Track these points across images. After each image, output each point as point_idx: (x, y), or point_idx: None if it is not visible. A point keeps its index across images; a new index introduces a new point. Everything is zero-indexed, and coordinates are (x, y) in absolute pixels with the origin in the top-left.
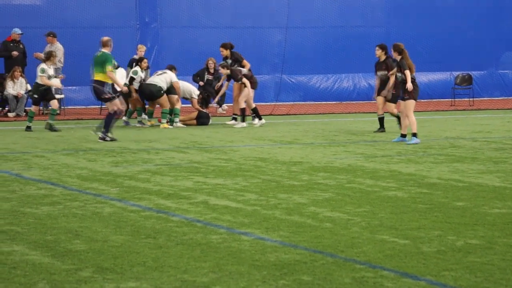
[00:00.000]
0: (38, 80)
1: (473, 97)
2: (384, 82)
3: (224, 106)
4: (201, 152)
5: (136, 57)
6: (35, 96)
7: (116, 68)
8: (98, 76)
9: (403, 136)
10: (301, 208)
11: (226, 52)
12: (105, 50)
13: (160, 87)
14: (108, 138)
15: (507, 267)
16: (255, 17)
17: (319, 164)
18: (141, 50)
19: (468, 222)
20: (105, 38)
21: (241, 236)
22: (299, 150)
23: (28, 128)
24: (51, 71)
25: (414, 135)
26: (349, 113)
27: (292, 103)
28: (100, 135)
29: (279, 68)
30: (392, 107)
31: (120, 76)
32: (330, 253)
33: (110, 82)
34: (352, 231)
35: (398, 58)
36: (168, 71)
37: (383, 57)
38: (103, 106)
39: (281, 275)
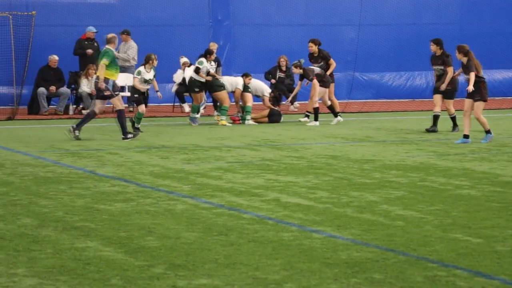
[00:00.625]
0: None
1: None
2: (440, 77)
3: (296, 103)
4: (273, 149)
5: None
6: (136, 95)
7: (188, 66)
8: (98, 72)
9: (466, 137)
10: (373, 206)
11: (314, 48)
12: (109, 46)
13: (222, 83)
14: (130, 136)
15: None
16: (327, 15)
17: (391, 162)
18: (213, 47)
19: None
20: (110, 35)
21: (312, 233)
22: (371, 148)
23: (137, 130)
24: (148, 75)
25: (488, 131)
26: (422, 110)
27: (364, 100)
28: (123, 137)
29: (352, 66)
30: (450, 104)
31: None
32: (402, 252)
33: (113, 78)
34: (425, 230)
35: (464, 60)
36: (239, 77)
37: (439, 52)
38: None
39: (352, 273)
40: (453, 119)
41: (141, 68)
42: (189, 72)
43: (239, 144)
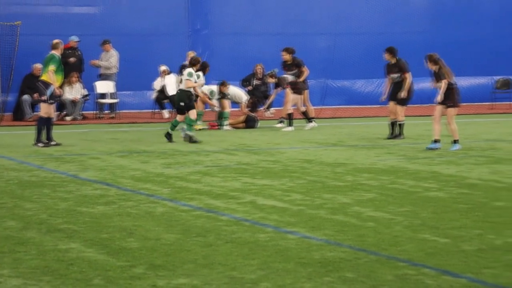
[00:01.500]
0: (183, 86)
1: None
2: (397, 84)
3: (272, 109)
4: (249, 154)
5: (186, 63)
6: (181, 103)
7: (167, 74)
8: (43, 76)
9: (437, 141)
10: (345, 208)
11: (287, 56)
12: (54, 52)
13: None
14: (40, 145)
15: None
16: (301, 25)
17: (363, 166)
18: (191, 56)
19: (507, 221)
20: (54, 41)
21: (287, 234)
22: (343, 152)
23: (169, 136)
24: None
25: (456, 141)
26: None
27: (337, 106)
28: (34, 143)
29: (325, 73)
30: (402, 111)
31: (171, 82)
32: (373, 251)
33: (56, 84)
34: (395, 230)
35: (435, 68)
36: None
37: (393, 60)
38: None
39: (326, 272)
40: (401, 126)
41: (191, 69)
42: (171, 80)
43: (217, 149)
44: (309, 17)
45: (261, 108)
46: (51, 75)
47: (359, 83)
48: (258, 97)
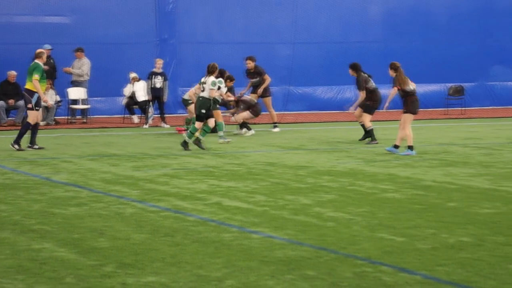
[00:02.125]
0: (205, 94)
1: (464, 107)
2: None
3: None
4: (215, 157)
5: (155, 70)
6: (203, 111)
7: (137, 81)
8: (28, 85)
9: (396, 147)
10: (306, 208)
11: (252, 64)
12: (37, 61)
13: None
14: (16, 147)
15: (496, 263)
16: (264, 34)
17: (323, 168)
18: (159, 63)
19: (459, 221)
20: (38, 50)
21: (251, 234)
22: (305, 156)
23: (185, 144)
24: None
25: (410, 147)
26: (351, 121)
27: (298, 112)
28: (12, 143)
29: (287, 80)
30: (366, 117)
31: (140, 88)
32: (333, 250)
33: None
34: (353, 230)
35: (394, 75)
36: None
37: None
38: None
39: (288, 270)
40: (370, 131)
41: (215, 79)
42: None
43: (185, 153)
44: (271, 27)
45: (226, 114)
46: (36, 84)
47: (320, 89)
48: (223, 103)
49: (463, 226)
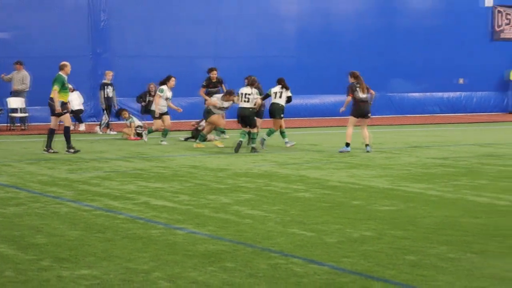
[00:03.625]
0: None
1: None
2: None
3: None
4: (144, 161)
5: (105, 81)
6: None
7: (72, 91)
8: (52, 94)
9: (347, 145)
10: (226, 207)
11: (216, 74)
12: (60, 72)
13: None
14: (72, 151)
15: (394, 254)
16: (188, 48)
17: (241, 171)
18: (109, 75)
19: (362, 217)
20: (62, 63)
21: (176, 230)
22: (224, 159)
23: (254, 150)
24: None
25: (347, 145)
26: (266, 128)
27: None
28: (66, 150)
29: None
30: (257, 122)
31: (75, 98)
32: (250, 244)
33: (62, 99)
34: (268, 226)
35: (353, 81)
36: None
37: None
38: (60, 123)
39: (209, 262)
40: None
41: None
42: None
43: (116, 157)
44: (194, 42)
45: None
46: (54, 94)
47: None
48: (151, 112)
49: (365, 222)
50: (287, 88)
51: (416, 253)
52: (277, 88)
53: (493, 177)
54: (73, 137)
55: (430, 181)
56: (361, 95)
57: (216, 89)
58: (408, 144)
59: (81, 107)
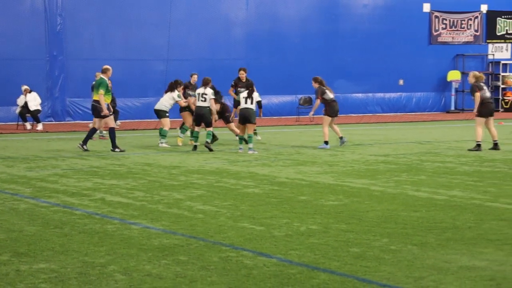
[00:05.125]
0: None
1: (313, 115)
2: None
3: (118, 122)
4: (99, 159)
5: (95, 83)
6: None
7: (29, 92)
8: (95, 97)
9: (326, 142)
10: (179, 202)
11: (244, 74)
12: (103, 76)
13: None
14: (117, 150)
15: (339, 247)
16: (141, 51)
17: (193, 168)
18: (98, 76)
19: (309, 212)
20: (104, 67)
21: (131, 225)
22: (177, 157)
23: (195, 148)
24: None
25: (326, 142)
26: (223, 127)
27: (172, 119)
28: (112, 149)
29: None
30: (231, 126)
31: (32, 99)
32: (202, 238)
33: (107, 102)
34: (220, 220)
35: (317, 86)
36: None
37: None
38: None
39: (163, 256)
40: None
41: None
42: (32, 97)
43: (72, 155)
44: (147, 45)
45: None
46: (100, 98)
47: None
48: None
49: (312, 216)
50: (254, 91)
51: (360, 245)
52: (245, 94)
53: (432, 173)
54: (30, 136)
55: (372, 177)
56: (331, 95)
57: (244, 89)
58: (352, 142)
59: (39, 108)
